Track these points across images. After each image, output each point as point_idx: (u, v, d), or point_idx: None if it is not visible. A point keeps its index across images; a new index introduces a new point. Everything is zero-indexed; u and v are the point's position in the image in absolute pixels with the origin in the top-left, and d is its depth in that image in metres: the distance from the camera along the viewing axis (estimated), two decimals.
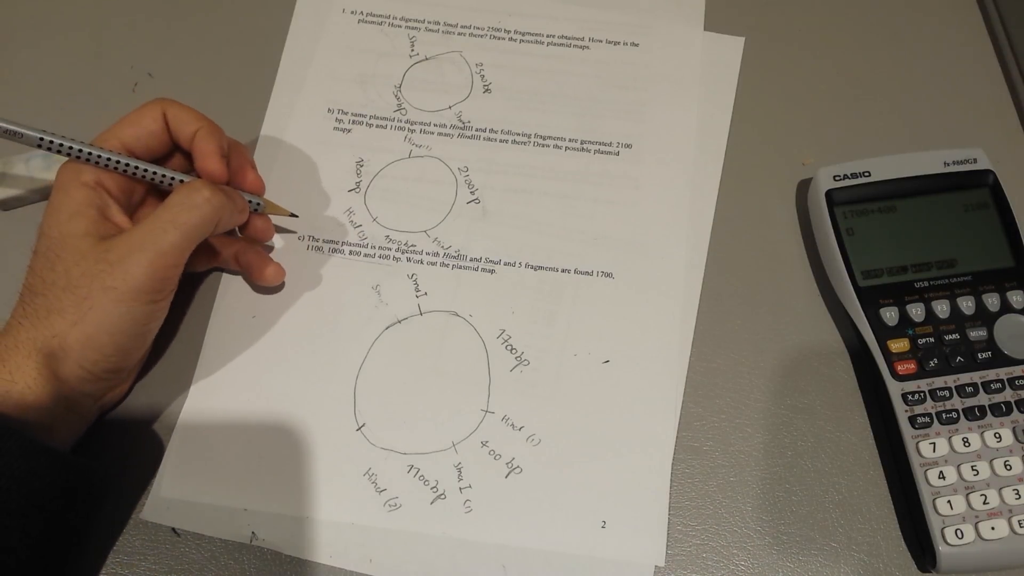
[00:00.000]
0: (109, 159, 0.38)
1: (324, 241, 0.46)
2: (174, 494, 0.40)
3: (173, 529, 0.40)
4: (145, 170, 0.39)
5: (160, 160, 0.41)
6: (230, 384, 0.42)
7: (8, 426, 0.33)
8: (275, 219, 0.45)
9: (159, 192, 0.42)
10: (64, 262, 0.36)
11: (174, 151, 0.42)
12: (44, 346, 0.36)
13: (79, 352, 0.36)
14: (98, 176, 0.38)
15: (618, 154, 0.48)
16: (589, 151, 0.49)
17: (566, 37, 0.52)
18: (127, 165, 0.39)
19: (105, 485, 0.39)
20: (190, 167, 0.42)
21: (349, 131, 0.49)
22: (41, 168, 0.46)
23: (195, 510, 0.40)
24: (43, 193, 0.47)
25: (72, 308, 0.36)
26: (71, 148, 0.37)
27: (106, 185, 0.38)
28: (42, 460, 0.34)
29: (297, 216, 0.45)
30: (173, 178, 0.40)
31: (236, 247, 0.44)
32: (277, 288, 0.44)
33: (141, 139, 0.39)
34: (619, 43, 0.52)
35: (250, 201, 0.42)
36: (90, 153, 0.38)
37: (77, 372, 0.36)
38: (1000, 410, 0.39)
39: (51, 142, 0.37)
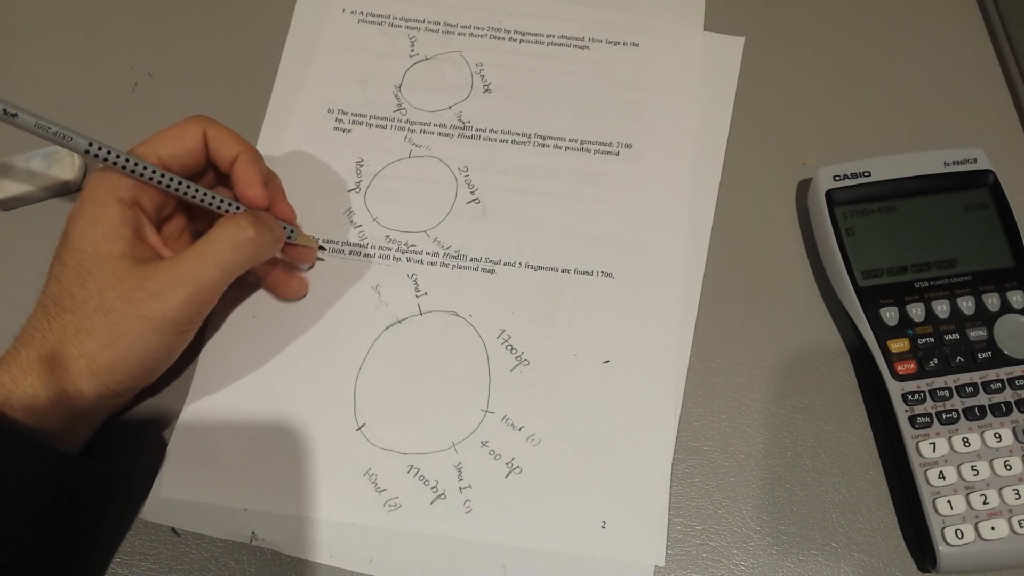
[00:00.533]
0: (163, 178, 0.38)
1: (324, 241, 0.46)
2: (174, 494, 0.40)
3: (173, 529, 0.40)
4: (203, 194, 0.39)
5: (192, 178, 0.41)
6: (230, 384, 0.42)
7: (18, 430, 0.33)
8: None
9: (186, 209, 0.42)
10: (97, 281, 0.36)
11: (207, 170, 0.42)
12: (70, 363, 0.35)
13: (107, 373, 0.36)
14: (135, 194, 0.38)
15: (618, 154, 0.48)
16: (589, 151, 0.49)
17: (566, 37, 0.52)
18: (187, 188, 0.39)
19: (112, 488, 0.39)
20: (215, 182, 0.43)
21: (349, 131, 0.49)
22: (40, 168, 0.46)
23: (195, 510, 0.40)
24: (43, 193, 0.47)
25: (104, 331, 0.35)
26: (127, 162, 0.37)
27: (142, 203, 0.38)
28: (51, 463, 0.34)
29: (325, 249, 0.45)
30: (225, 204, 0.40)
31: (261, 268, 0.43)
32: (300, 297, 0.44)
33: (179, 157, 0.39)
34: (619, 43, 0.52)
35: (284, 227, 0.42)
36: (150, 171, 0.37)
37: (100, 390, 0.36)
38: (1000, 410, 0.39)
39: (99, 151, 0.36)
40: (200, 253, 0.37)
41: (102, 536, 0.39)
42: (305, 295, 0.44)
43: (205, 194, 0.39)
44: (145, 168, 0.37)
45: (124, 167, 0.37)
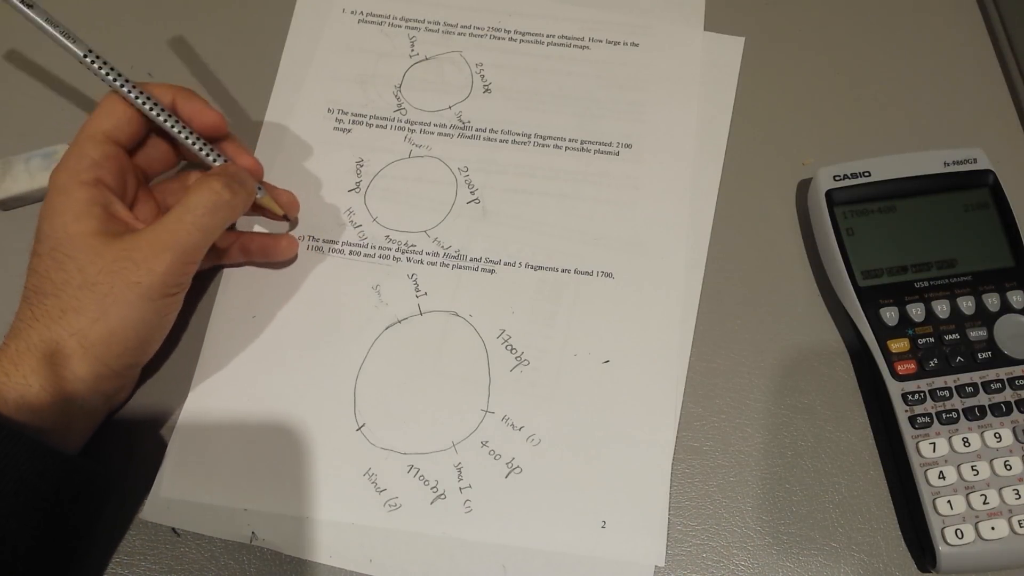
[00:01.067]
0: (154, 107, 0.39)
1: (324, 241, 0.46)
2: (174, 494, 0.40)
3: (173, 529, 0.40)
4: (184, 131, 0.40)
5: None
6: (230, 384, 0.42)
7: (16, 429, 0.33)
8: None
9: (150, 189, 0.42)
10: (76, 261, 0.36)
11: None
12: (61, 346, 0.35)
13: (102, 347, 0.36)
14: (96, 173, 0.38)
15: (618, 154, 0.48)
16: (589, 151, 0.49)
17: (566, 37, 0.52)
18: (172, 122, 0.39)
19: (111, 487, 0.39)
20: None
21: (349, 131, 0.49)
22: (40, 168, 0.46)
23: (195, 510, 0.40)
24: (43, 193, 0.46)
25: (92, 305, 0.36)
26: (126, 82, 0.38)
27: (105, 180, 0.38)
28: (49, 463, 0.34)
29: (288, 219, 0.45)
30: (209, 153, 0.41)
31: (239, 237, 0.44)
32: (289, 262, 0.45)
33: (132, 122, 0.40)
34: (619, 43, 0.52)
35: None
36: (144, 98, 0.38)
37: (97, 369, 0.36)
38: (1000, 410, 0.39)
39: (94, 61, 0.37)
40: (179, 219, 0.37)
41: (101, 536, 0.39)
42: (296, 251, 0.45)
43: (190, 134, 0.40)
44: (140, 94, 0.38)
45: (122, 86, 0.38)
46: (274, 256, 0.44)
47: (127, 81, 0.38)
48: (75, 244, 0.36)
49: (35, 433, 0.34)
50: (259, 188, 0.42)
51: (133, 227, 0.39)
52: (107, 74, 0.37)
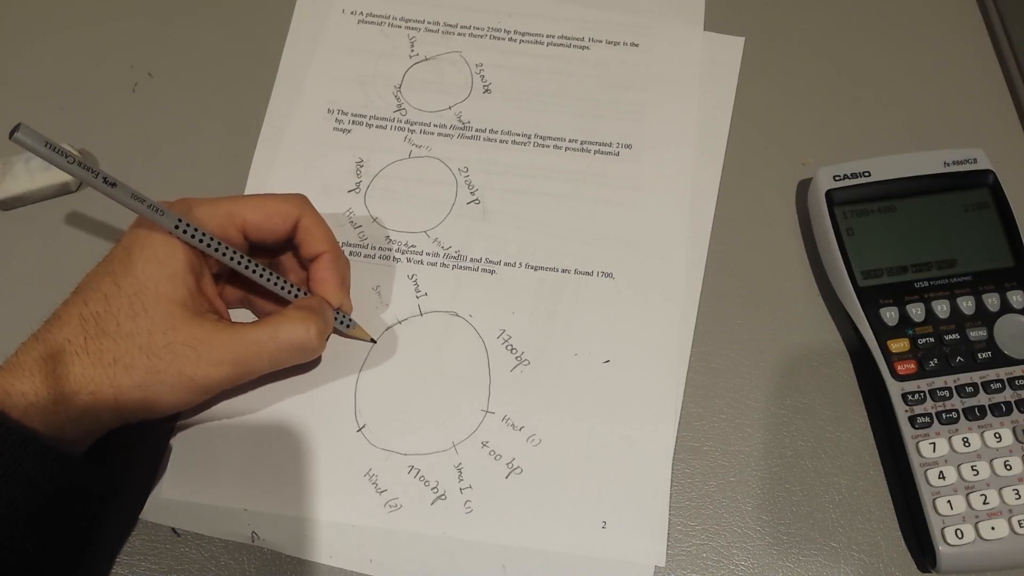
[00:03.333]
0: (251, 266, 0.39)
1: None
2: (174, 494, 0.40)
3: (173, 529, 0.40)
4: (278, 281, 0.40)
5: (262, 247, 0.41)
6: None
7: (26, 433, 0.33)
8: None
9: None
10: (150, 321, 0.36)
11: (284, 247, 0.42)
12: (98, 388, 0.35)
13: (129, 409, 0.36)
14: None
15: (618, 154, 0.48)
16: (589, 151, 0.49)
17: (566, 37, 0.52)
18: (268, 275, 0.40)
19: (116, 489, 0.39)
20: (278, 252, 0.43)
21: (349, 131, 0.49)
22: (40, 168, 0.46)
23: (195, 510, 0.40)
24: (43, 194, 0.47)
25: (142, 373, 0.35)
26: (218, 247, 0.38)
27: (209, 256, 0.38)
28: (58, 467, 0.34)
29: (376, 342, 0.44)
30: (295, 291, 0.41)
31: None
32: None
33: (260, 229, 0.40)
34: (619, 43, 0.52)
35: (340, 321, 0.42)
36: (245, 262, 0.39)
37: (116, 417, 0.36)
38: (1000, 410, 0.39)
39: (185, 231, 0.36)
40: (260, 343, 0.37)
41: (104, 537, 0.39)
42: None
43: (277, 280, 0.40)
44: (234, 256, 0.38)
45: (205, 250, 0.37)
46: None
47: (220, 245, 0.38)
48: (158, 304, 0.36)
49: (47, 439, 0.34)
50: (348, 323, 0.42)
51: (214, 307, 0.39)
52: (200, 240, 0.37)
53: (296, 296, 0.41)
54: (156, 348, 0.35)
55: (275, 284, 0.40)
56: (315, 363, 0.43)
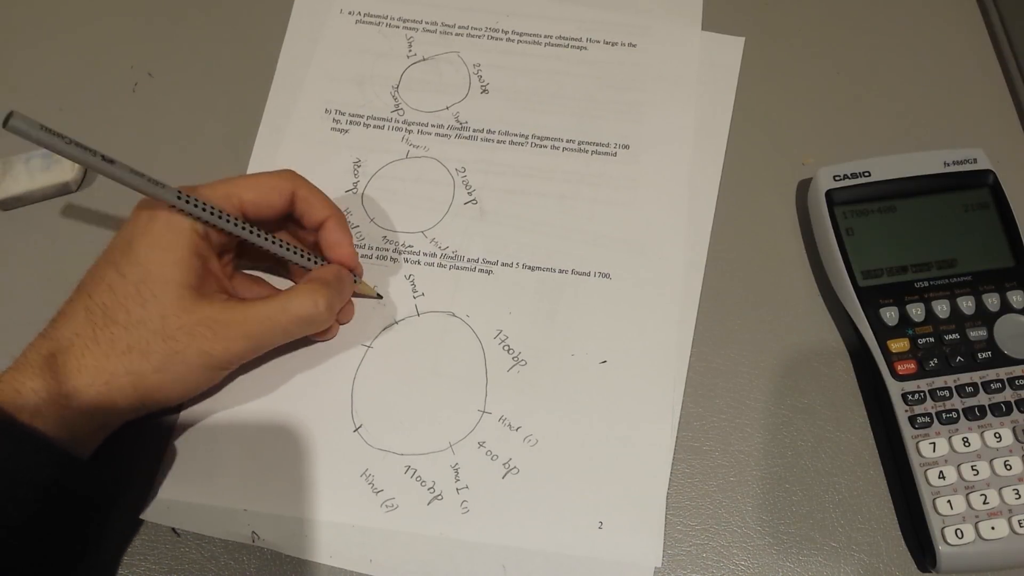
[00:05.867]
0: (251, 231, 0.39)
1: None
2: (174, 495, 0.40)
3: (173, 529, 0.40)
4: (288, 248, 0.40)
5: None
6: (230, 384, 0.42)
7: (39, 438, 0.33)
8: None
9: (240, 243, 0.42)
10: (161, 306, 0.36)
11: (284, 222, 0.43)
12: (113, 378, 0.35)
13: (149, 394, 0.36)
14: (208, 227, 0.38)
15: (615, 155, 0.48)
16: (587, 152, 0.48)
17: (564, 38, 0.52)
18: (275, 243, 0.40)
19: (119, 491, 0.39)
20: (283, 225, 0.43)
21: (346, 131, 0.49)
22: (40, 168, 0.46)
23: (195, 510, 0.40)
24: (43, 194, 0.47)
25: (160, 355, 0.36)
26: (220, 217, 0.38)
27: (212, 237, 0.38)
28: (65, 470, 0.34)
29: (382, 297, 0.44)
30: (308, 258, 0.41)
31: None
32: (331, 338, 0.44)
33: (258, 207, 0.40)
34: (617, 44, 0.52)
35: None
36: (249, 229, 0.39)
37: (135, 406, 0.36)
38: (1000, 410, 0.39)
39: (188, 201, 0.36)
40: (270, 316, 0.38)
41: (105, 537, 0.39)
42: (334, 336, 0.44)
43: (288, 247, 0.40)
44: (236, 223, 0.38)
45: (210, 220, 0.37)
46: (318, 336, 0.43)
47: (222, 214, 0.38)
48: (167, 288, 0.36)
49: (55, 441, 0.34)
50: (355, 279, 0.43)
51: (224, 288, 0.39)
52: (204, 210, 0.37)
53: (307, 258, 0.41)
54: (171, 331, 0.36)
55: (286, 250, 0.40)
56: (330, 333, 0.43)
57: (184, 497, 0.40)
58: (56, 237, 0.46)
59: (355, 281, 0.43)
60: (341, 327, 0.44)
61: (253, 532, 0.39)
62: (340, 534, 0.39)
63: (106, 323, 0.35)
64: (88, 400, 0.35)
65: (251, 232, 0.39)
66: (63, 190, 0.47)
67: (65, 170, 0.47)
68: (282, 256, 0.40)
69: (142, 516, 0.40)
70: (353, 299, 0.44)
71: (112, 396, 0.35)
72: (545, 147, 0.49)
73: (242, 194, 0.39)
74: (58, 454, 0.34)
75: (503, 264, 0.45)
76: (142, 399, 0.36)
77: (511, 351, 0.43)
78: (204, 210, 0.37)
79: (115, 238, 0.38)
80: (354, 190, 0.47)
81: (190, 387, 0.38)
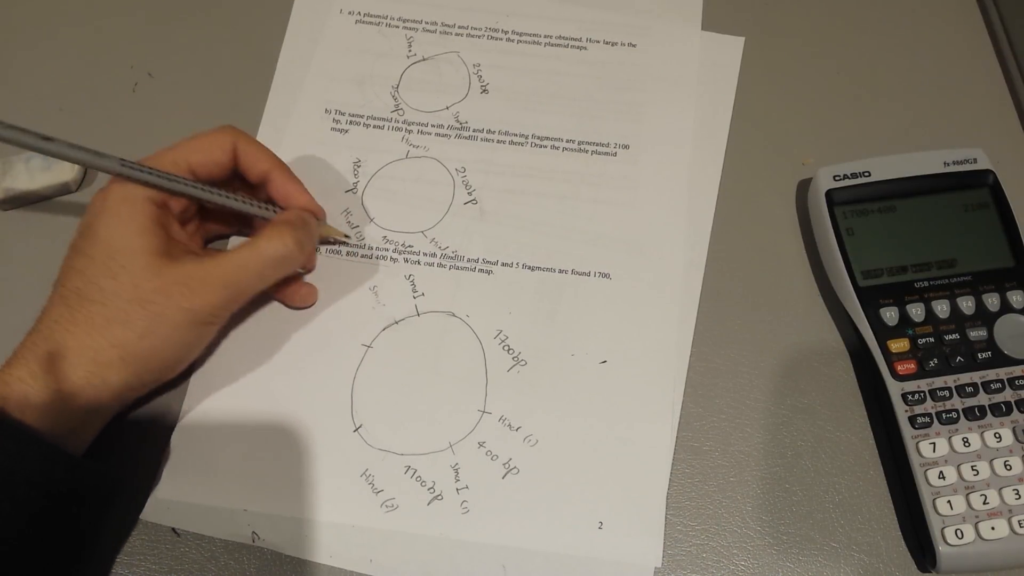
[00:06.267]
0: (200, 190, 0.39)
1: (319, 242, 0.46)
2: (174, 495, 0.40)
3: (173, 529, 0.40)
4: (243, 201, 0.40)
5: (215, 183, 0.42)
6: (229, 385, 0.42)
7: (29, 433, 0.33)
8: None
9: (200, 208, 0.43)
10: (132, 275, 0.36)
11: (231, 180, 0.43)
12: (100, 355, 0.35)
13: (141, 362, 0.36)
14: (165, 196, 0.38)
15: (615, 155, 0.48)
16: (587, 152, 0.48)
17: (564, 38, 0.52)
18: (228, 197, 0.40)
19: (117, 489, 0.39)
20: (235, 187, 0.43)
21: (346, 131, 0.49)
22: (40, 168, 0.46)
23: (195, 510, 0.40)
24: (42, 194, 0.47)
25: (142, 321, 0.36)
26: (165, 179, 0.38)
27: (170, 204, 0.39)
28: (61, 467, 0.34)
29: (350, 238, 0.45)
30: (265, 209, 0.41)
31: None
32: (311, 304, 0.44)
33: (206, 166, 0.40)
34: (617, 44, 0.52)
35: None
36: (188, 186, 0.38)
37: (129, 381, 0.36)
38: (1000, 410, 0.39)
39: (135, 169, 0.37)
40: (244, 263, 0.38)
41: (105, 537, 0.39)
42: (315, 302, 0.44)
43: (243, 200, 0.41)
44: (184, 183, 0.38)
45: (159, 184, 0.37)
46: (293, 302, 0.44)
47: (168, 176, 0.38)
48: (135, 258, 0.36)
49: (48, 436, 0.34)
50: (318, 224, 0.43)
51: (190, 250, 0.39)
52: (149, 174, 0.37)
53: (265, 208, 0.41)
54: (147, 295, 0.36)
55: (241, 203, 0.40)
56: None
57: (184, 497, 0.40)
58: (56, 237, 0.46)
59: (319, 224, 0.43)
60: (342, 328, 0.44)
61: (253, 532, 0.39)
62: (340, 534, 0.39)
63: (81, 303, 0.36)
64: (76, 381, 0.35)
65: (201, 190, 0.39)
66: (63, 190, 0.47)
67: (65, 170, 0.47)
68: (240, 210, 0.41)
69: (142, 516, 0.40)
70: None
71: (100, 373, 0.35)
72: (545, 147, 0.49)
73: (188, 157, 0.39)
74: (49, 448, 0.33)
75: (503, 264, 0.45)
76: (136, 372, 0.36)
77: (511, 351, 0.43)
78: (150, 174, 0.37)
79: (77, 229, 0.38)
80: (354, 190, 0.47)
81: (181, 349, 0.38)
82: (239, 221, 0.44)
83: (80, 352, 0.35)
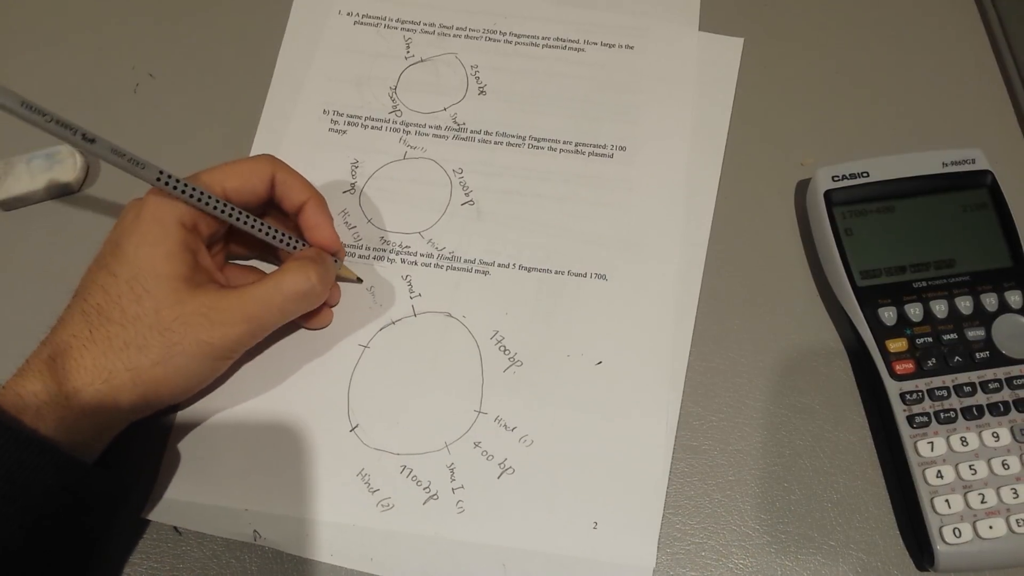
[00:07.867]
0: (231, 213, 0.38)
1: None
2: (175, 494, 0.40)
3: (175, 528, 0.40)
4: (269, 231, 0.40)
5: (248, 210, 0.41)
6: (228, 384, 0.42)
7: (45, 443, 0.33)
8: None
9: (227, 232, 0.42)
10: (155, 300, 0.36)
11: (267, 208, 0.43)
12: (113, 376, 0.35)
13: (151, 389, 0.36)
14: (195, 219, 0.38)
15: (612, 156, 0.48)
16: (584, 153, 0.48)
17: (561, 39, 0.52)
18: (256, 224, 0.40)
19: (125, 494, 0.39)
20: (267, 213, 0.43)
21: (344, 132, 0.49)
22: (42, 168, 0.47)
23: (196, 510, 0.40)
24: (44, 194, 0.47)
25: (158, 349, 0.36)
26: (200, 197, 0.37)
27: (200, 228, 0.39)
28: (74, 476, 0.34)
29: (362, 281, 0.45)
30: (290, 241, 0.41)
31: None
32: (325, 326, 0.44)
33: (242, 194, 0.40)
34: (614, 45, 0.52)
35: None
36: (221, 206, 0.38)
37: (138, 403, 0.36)
38: (998, 409, 0.39)
39: (170, 181, 0.36)
40: (267, 297, 0.38)
41: (108, 537, 0.39)
42: (330, 323, 0.44)
43: (271, 231, 0.40)
44: (217, 204, 0.38)
45: (192, 203, 0.37)
46: (311, 324, 0.43)
47: (203, 194, 0.37)
48: (159, 283, 0.36)
49: (64, 447, 0.34)
50: (336, 263, 0.43)
51: (214, 279, 0.39)
52: (183, 191, 0.37)
53: (289, 243, 0.41)
54: (167, 323, 0.36)
55: (269, 235, 0.40)
56: (328, 317, 0.44)
57: (186, 496, 0.40)
58: (57, 237, 0.47)
59: (336, 263, 0.43)
60: (339, 327, 0.44)
61: (255, 531, 0.39)
62: (340, 533, 0.39)
63: (102, 322, 0.36)
64: (89, 399, 0.35)
65: (236, 215, 0.39)
66: (65, 190, 0.47)
67: (67, 170, 0.47)
68: (267, 240, 0.40)
69: (144, 515, 0.40)
70: (340, 284, 0.44)
71: (113, 393, 0.35)
72: (542, 148, 0.49)
73: (224, 182, 0.39)
74: (62, 458, 0.34)
75: (500, 265, 0.45)
76: (144, 395, 0.36)
77: (507, 352, 0.43)
78: (186, 192, 0.37)
79: (105, 241, 0.38)
80: (352, 191, 0.47)
81: (192, 379, 0.38)
82: (263, 246, 0.43)
83: (95, 372, 0.35)
